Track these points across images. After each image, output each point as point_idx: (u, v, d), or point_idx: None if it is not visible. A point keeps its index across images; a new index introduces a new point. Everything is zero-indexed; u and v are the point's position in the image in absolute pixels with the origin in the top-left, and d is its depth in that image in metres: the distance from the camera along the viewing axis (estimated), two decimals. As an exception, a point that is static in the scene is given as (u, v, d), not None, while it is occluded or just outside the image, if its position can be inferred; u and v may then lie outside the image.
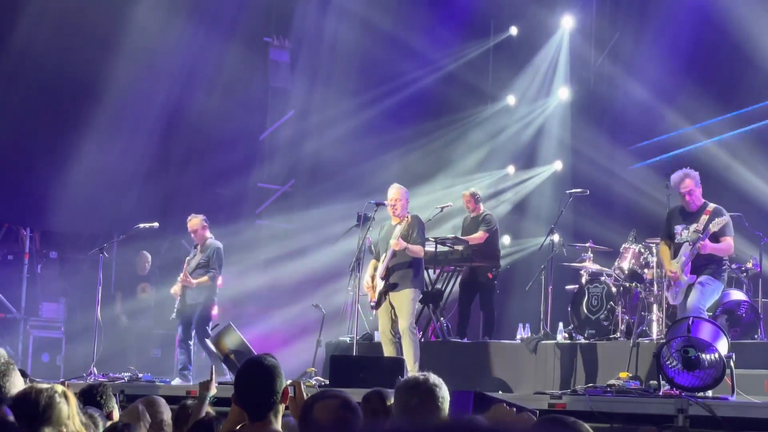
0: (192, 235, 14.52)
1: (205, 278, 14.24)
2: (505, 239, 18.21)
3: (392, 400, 5.82)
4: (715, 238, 10.68)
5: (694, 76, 16.46)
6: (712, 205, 10.88)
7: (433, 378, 4.99)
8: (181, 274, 14.30)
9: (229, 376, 13.83)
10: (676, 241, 10.93)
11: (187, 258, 14.56)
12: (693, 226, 10.77)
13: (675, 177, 10.99)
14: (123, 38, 17.79)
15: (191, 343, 14.29)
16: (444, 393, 4.90)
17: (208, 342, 14.17)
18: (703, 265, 10.73)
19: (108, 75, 17.77)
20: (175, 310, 14.37)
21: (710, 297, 10.79)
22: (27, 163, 17.73)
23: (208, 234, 14.53)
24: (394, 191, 12.48)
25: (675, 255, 10.92)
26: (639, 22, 17.50)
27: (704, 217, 10.74)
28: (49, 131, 17.72)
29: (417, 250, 12.30)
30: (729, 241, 10.78)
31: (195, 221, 14.47)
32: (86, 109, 17.72)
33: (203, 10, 18.48)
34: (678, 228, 10.93)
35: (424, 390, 4.82)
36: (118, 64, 17.85)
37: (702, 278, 10.70)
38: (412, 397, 4.79)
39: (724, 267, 10.90)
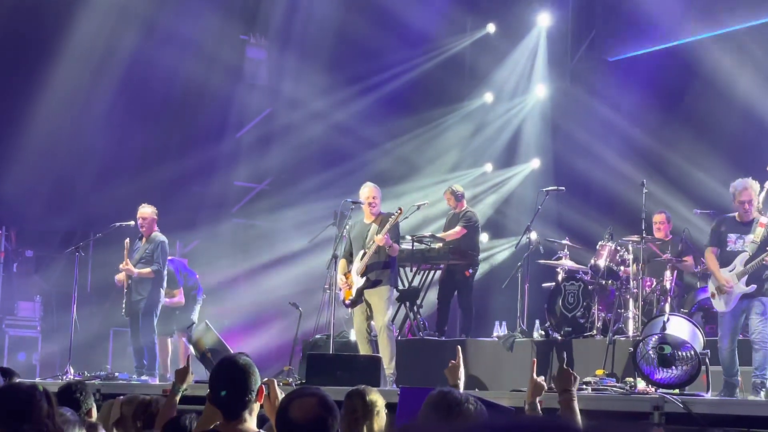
0: (140, 221, 14.27)
1: (147, 270, 14.07)
2: (483, 237, 18.23)
3: (373, 396, 5.83)
4: None
5: (671, 76, 16.55)
6: (764, 219, 10.79)
7: (460, 394, 4.99)
8: (122, 263, 14.18)
9: (206, 375, 13.82)
10: (728, 249, 10.87)
11: (126, 241, 14.34)
12: (749, 237, 10.70)
13: (737, 185, 10.86)
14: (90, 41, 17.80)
15: (141, 339, 14.20)
16: (472, 412, 4.88)
17: (154, 338, 14.14)
18: (759, 278, 10.63)
19: (84, 72, 17.78)
20: (123, 306, 14.28)
21: None
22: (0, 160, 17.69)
23: (156, 227, 14.42)
24: (369, 189, 12.49)
25: (723, 263, 10.86)
26: (615, 19, 17.53)
27: (759, 229, 10.67)
28: (24, 129, 17.67)
29: (397, 248, 12.37)
30: None
31: (148, 210, 14.28)
32: (60, 105, 17.71)
33: (180, 8, 18.42)
34: (732, 236, 10.83)
35: (450, 406, 4.84)
36: (90, 63, 17.86)
37: (764, 300, 10.59)
38: (438, 411, 4.81)
39: None
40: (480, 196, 18.86)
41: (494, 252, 18.32)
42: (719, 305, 10.80)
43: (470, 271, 14.39)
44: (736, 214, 10.94)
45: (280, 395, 5.26)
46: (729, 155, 14.93)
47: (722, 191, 11.29)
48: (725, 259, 10.83)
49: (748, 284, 10.60)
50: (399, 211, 12.24)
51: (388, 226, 12.09)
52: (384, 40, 18.77)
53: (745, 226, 10.83)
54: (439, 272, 14.78)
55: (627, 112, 16.99)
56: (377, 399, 6.18)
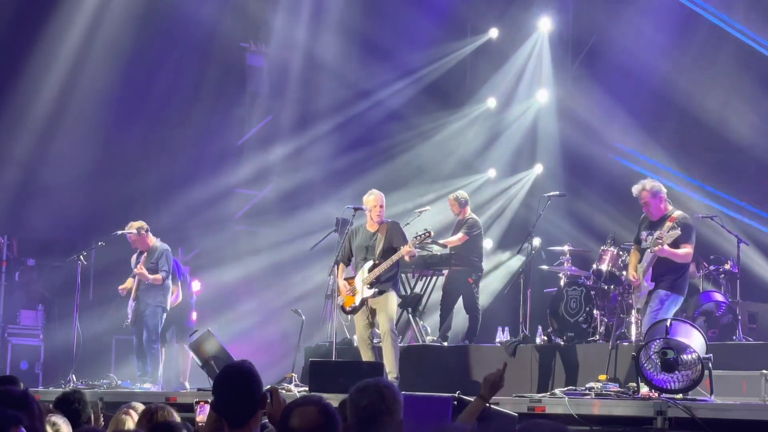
0: (132, 242, 14.40)
1: (158, 275, 14.13)
2: (487, 243, 18.19)
3: None
4: (675, 245, 10.67)
5: (672, 78, 16.57)
6: (677, 213, 10.92)
7: (385, 381, 5.02)
8: (136, 267, 14.16)
9: (208, 383, 13.81)
10: (642, 246, 10.97)
11: (140, 259, 14.35)
12: (656, 233, 10.76)
13: (634, 189, 11.10)
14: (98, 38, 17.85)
15: (146, 348, 14.20)
16: (395, 396, 4.92)
17: (158, 346, 14.15)
18: (662, 273, 10.72)
19: (82, 78, 17.82)
20: (129, 316, 14.27)
21: (668, 310, 10.72)
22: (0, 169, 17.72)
23: (151, 238, 14.43)
24: (374, 197, 12.33)
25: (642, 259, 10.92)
26: (615, 24, 17.51)
27: (668, 224, 10.75)
28: (23, 135, 17.71)
29: (416, 253, 12.38)
30: (688, 250, 10.73)
31: (134, 228, 14.32)
32: (61, 113, 17.75)
33: (181, 15, 18.42)
34: (644, 234, 11.00)
35: (374, 392, 4.85)
36: (95, 67, 17.89)
37: (660, 293, 10.67)
38: (363, 398, 4.82)
39: (682, 277, 10.84)
40: (482, 202, 18.82)
41: (503, 260, 18.25)
42: (634, 301, 11.06)
43: (473, 277, 14.36)
44: None
45: (283, 402, 5.25)
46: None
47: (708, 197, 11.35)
48: (643, 256, 10.90)
49: (653, 280, 10.69)
50: (388, 224, 12.15)
51: (414, 241, 12.05)
52: (386, 47, 18.78)
53: (657, 224, 10.93)
54: (441, 278, 14.75)
55: (628, 116, 16.97)
56: None
